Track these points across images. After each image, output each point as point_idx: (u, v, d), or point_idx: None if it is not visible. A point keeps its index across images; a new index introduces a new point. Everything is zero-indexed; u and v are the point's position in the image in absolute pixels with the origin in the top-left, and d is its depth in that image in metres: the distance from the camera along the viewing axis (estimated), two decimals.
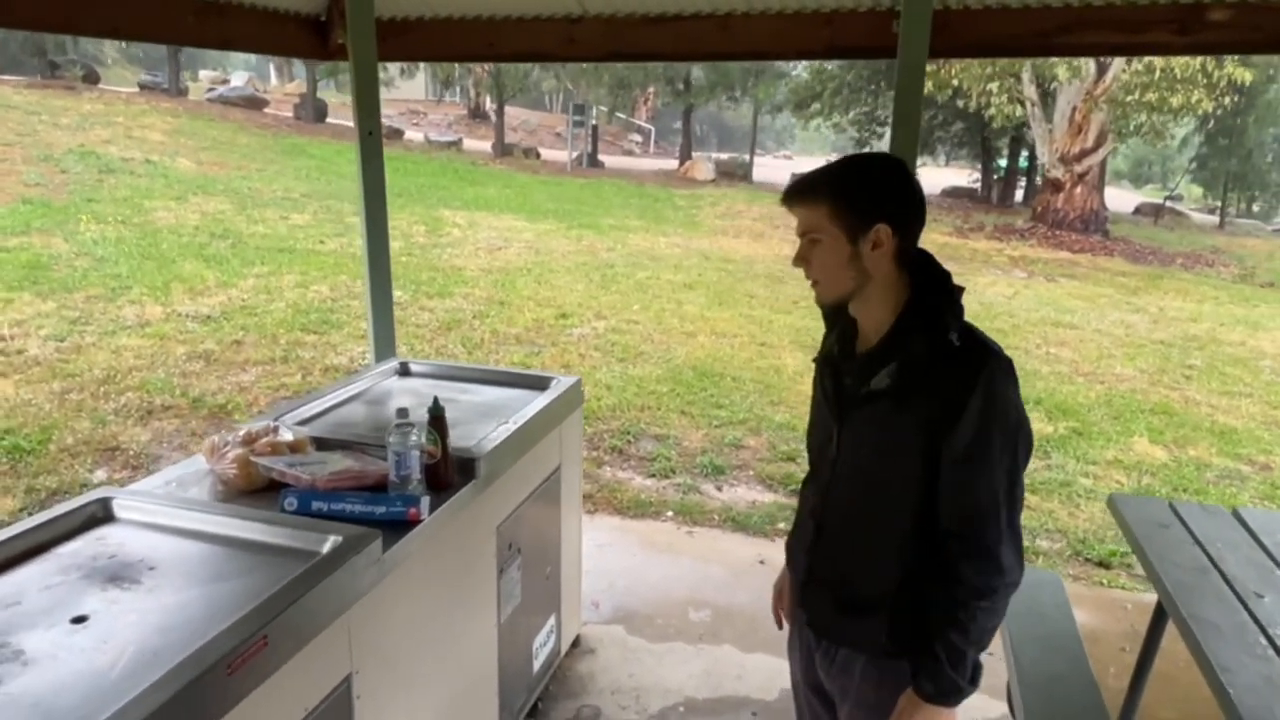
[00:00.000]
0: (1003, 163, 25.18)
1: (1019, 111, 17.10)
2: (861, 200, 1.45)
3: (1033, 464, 5.14)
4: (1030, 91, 16.82)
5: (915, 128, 3.18)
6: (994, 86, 16.10)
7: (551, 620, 2.87)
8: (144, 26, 3.26)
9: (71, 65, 23.03)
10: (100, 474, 4.20)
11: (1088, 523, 4.42)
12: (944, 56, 3.52)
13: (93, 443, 4.49)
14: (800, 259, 1.52)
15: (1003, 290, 11.01)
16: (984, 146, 24.03)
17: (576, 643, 3.15)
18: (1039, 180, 20.60)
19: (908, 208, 1.47)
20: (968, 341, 1.44)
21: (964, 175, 27.04)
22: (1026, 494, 4.68)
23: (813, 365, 1.79)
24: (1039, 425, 5.86)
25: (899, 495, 1.50)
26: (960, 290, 1.51)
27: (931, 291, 1.49)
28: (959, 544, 1.44)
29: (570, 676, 2.98)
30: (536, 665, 2.76)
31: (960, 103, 17.47)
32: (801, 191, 1.49)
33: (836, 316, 1.63)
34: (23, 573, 1.63)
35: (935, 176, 23.12)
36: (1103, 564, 4.00)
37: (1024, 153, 23.88)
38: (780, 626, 1.93)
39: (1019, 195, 24.97)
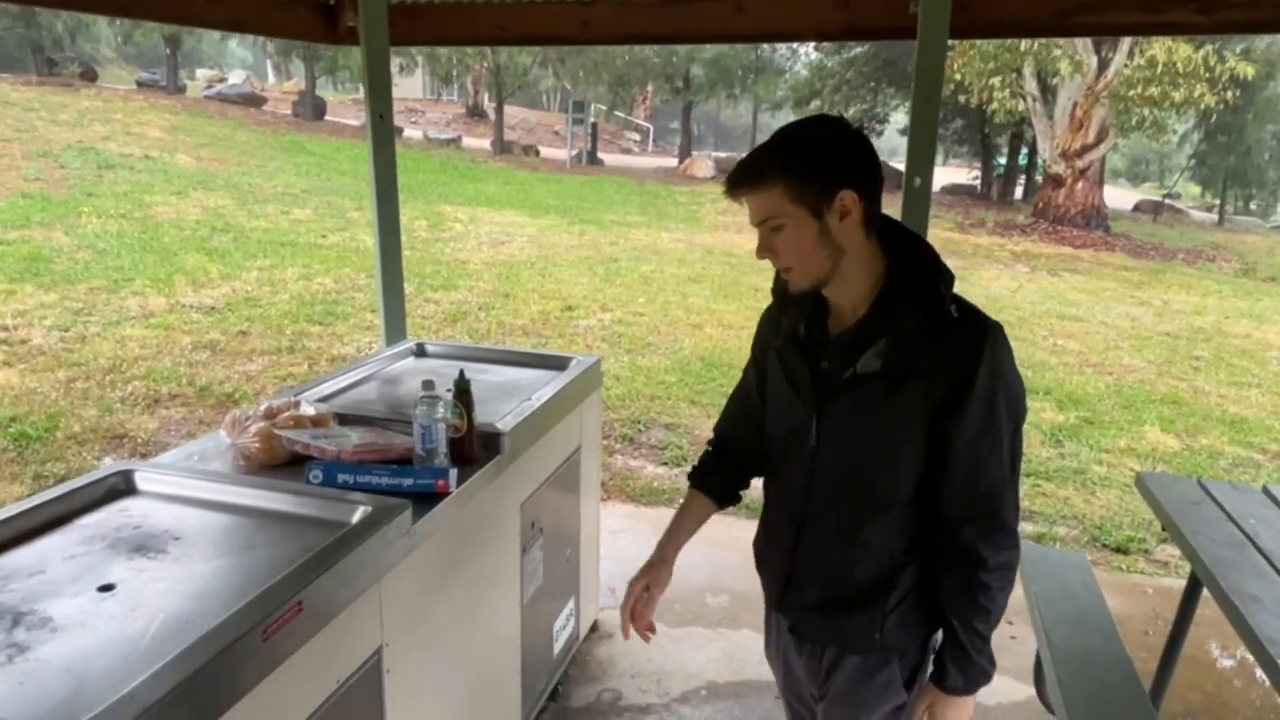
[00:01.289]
0: (1003, 160, 25.18)
1: (1020, 107, 17.08)
2: (819, 169, 1.31)
3: (1047, 452, 5.14)
4: (1032, 86, 16.81)
5: (935, 108, 3.15)
6: (996, 81, 16.08)
7: (571, 603, 2.83)
8: (154, 7, 3.22)
9: (69, 63, 22.97)
10: (108, 461, 4.16)
11: (1103, 509, 4.39)
12: (963, 37, 3.49)
13: (100, 430, 4.44)
14: (765, 249, 1.37)
15: (1007, 284, 10.99)
16: (984, 143, 24.02)
17: (594, 627, 3.12)
18: (1039, 177, 20.59)
19: (866, 166, 1.33)
20: (964, 313, 1.34)
21: (964, 173, 27.02)
22: (1042, 481, 4.64)
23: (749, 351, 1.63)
24: (1050, 415, 5.83)
25: (894, 483, 1.39)
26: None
27: (913, 260, 1.37)
28: (973, 527, 1.36)
29: (590, 660, 2.94)
30: (557, 648, 2.72)
31: (961, 98, 17.44)
32: (749, 177, 1.33)
33: (794, 295, 1.44)
34: (45, 543, 1.59)
35: (935, 174, 23.07)
36: (1120, 550, 3.97)
37: (1024, 149, 23.88)
38: (627, 636, 1.67)
39: (1019, 192, 24.97)
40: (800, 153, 1.32)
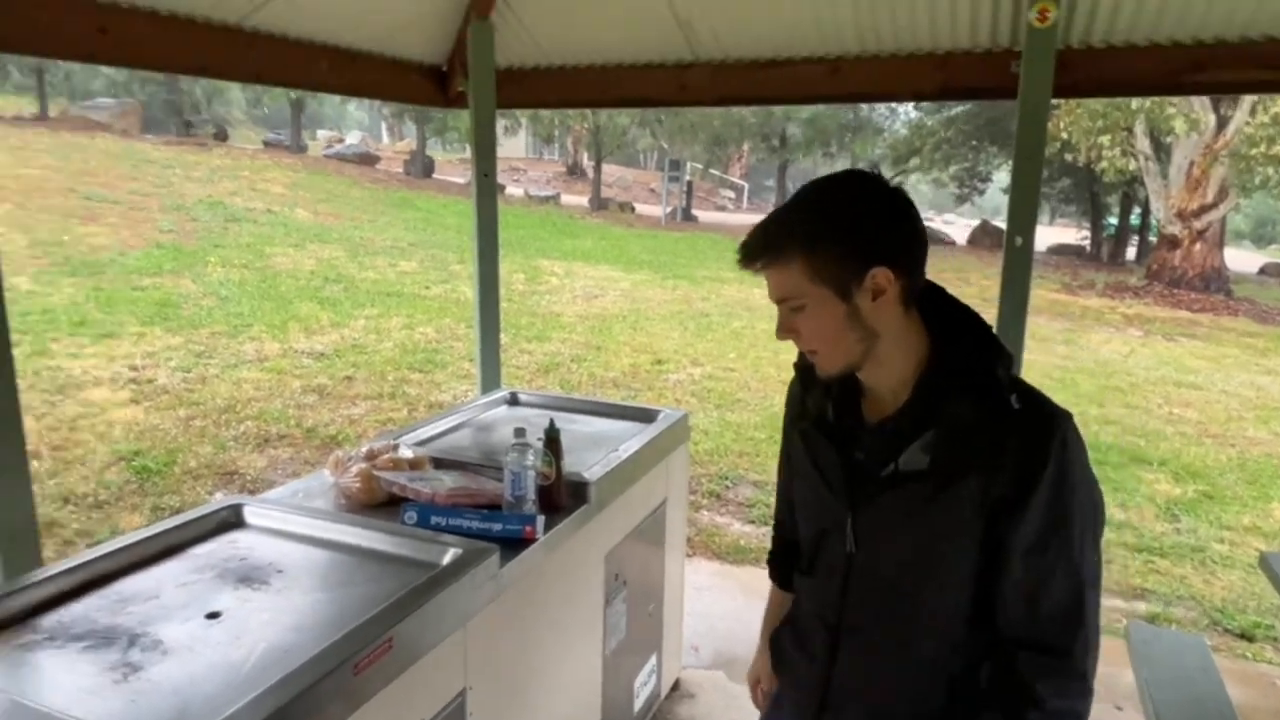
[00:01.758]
0: (1113, 220, 24.28)
1: (1132, 165, 16.50)
2: (846, 243, 1.12)
3: (1161, 527, 4.84)
4: (1144, 145, 16.23)
5: (1038, 167, 3.10)
6: (1105, 140, 15.60)
7: (653, 660, 2.81)
8: (283, 73, 3.47)
9: (204, 124, 24.86)
10: (219, 496, 4.38)
11: (1225, 591, 4.08)
12: (1067, 97, 3.43)
13: (213, 467, 4.70)
14: (785, 330, 1.20)
15: (1118, 348, 10.51)
16: (1093, 202, 23.25)
17: (676, 686, 3.07)
18: (1153, 237, 19.75)
19: (905, 236, 1.14)
20: (1027, 401, 1.14)
21: (1071, 233, 26.17)
22: (1156, 558, 4.37)
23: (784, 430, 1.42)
24: (1165, 487, 5.50)
25: (947, 595, 1.20)
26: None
27: (960, 334, 1.19)
28: (1032, 658, 1.13)
29: None
30: (637, 705, 2.69)
31: (1068, 156, 16.96)
32: (764, 250, 1.15)
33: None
34: (160, 570, 1.69)
35: (1041, 234, 22.40)
36: (1245, 636, 3.68)
37: (1136, 209, 23.00)
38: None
39: (1131, 253, 23.97)
40: (825, 223, 1.13)
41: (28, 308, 7.34)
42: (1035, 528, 1.11)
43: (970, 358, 1.17)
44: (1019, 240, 3.10)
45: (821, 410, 1.29)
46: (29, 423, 4.98)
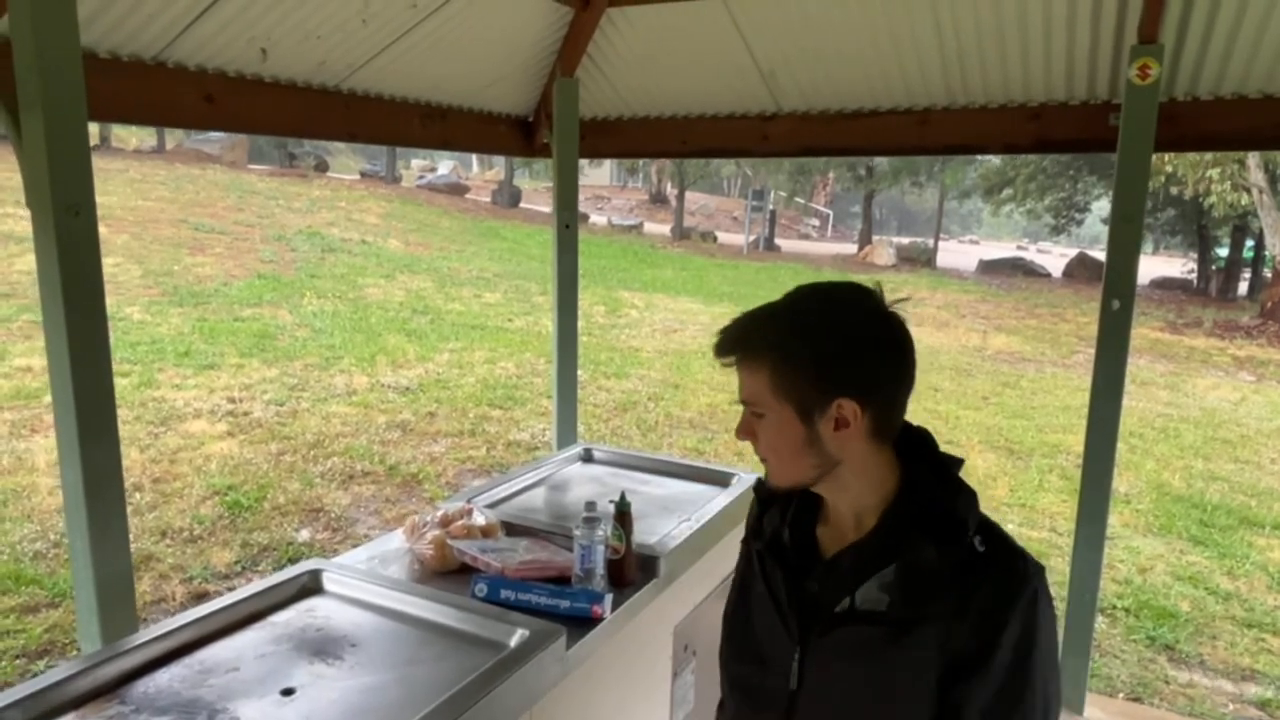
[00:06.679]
0: (1223, 252, 23.05)
1: (1244, 199, 15.65)
2: (818, 368, 1.07)
3: (1274, 599, 4.51)
4: (1258, 178, 15.38)
5: (1138, 227, 2.98)
6: (1214, 173, 14.85)
7: None
8: (376, 131, 3.62)
9: (306, 156, 26.03)
10: (304, 533, 4.52)
11: None
12: (1169, 150, 3.29)
13: (300, 503, 4.86)
14: (745, 431, 1.15)
15: (1227, 395, 9.92)
16: (1200, 235, 22.12)
17: None
18: (1268, 271, 18.65)
19: (886, 372, 1.09)
20: (994, 546, 1.07)
21: (1176, 265, 24.96)
22: (1268, 635, 4.07)
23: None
24: None
25: None
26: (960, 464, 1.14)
27: (929, 473, 1.12)
28: None
29: None
30: None
31: (1174, 189, 16.21)
32: (735, 345, 1.13)
33: (777, 492, 1.20)
34: (243, 638, 1.74)
35: (1144, 266, 21.38)
36: None
37: (1249, 242, 21.78)
38: None
39: (1243, 288, 22.67)
40: (803, 340, 1.08)
41: (138, 338, 7.79)
42: (990, 692, 1.03)
43: (934, 501, 1.10)
44: (1116, 304, 2.97)
45: (777, 532, 1.21)
46: (134, 454, 5.27)
